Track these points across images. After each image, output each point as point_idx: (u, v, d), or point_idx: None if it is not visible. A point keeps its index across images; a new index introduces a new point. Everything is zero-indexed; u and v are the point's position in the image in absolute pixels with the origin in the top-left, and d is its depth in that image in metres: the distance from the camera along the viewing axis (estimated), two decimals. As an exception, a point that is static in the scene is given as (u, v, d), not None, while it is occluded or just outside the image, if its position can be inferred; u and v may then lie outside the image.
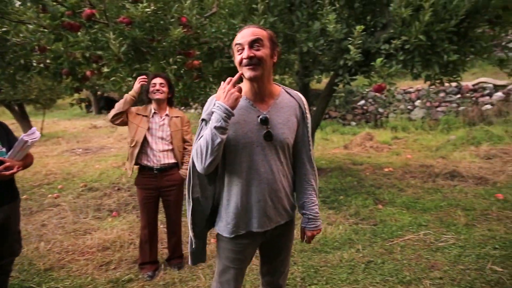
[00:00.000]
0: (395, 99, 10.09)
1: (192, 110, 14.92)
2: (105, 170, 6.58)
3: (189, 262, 1.75)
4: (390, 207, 4.21)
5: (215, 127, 1.42)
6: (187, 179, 1.65)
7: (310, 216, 1.71)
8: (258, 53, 1.49)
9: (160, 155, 2.83)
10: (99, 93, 17.95)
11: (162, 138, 2.84)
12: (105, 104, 19.43)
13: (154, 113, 2.87)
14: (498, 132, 7.24)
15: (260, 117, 1.56)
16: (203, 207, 1.67)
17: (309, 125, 1.70)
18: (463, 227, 3.55)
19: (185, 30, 3.46)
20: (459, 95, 8.97)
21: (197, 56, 3.88)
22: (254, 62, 1.49)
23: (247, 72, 1.51)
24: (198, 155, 1.48)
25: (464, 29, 3.99)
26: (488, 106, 8.30)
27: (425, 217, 3.86)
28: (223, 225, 1.63)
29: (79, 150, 9.16)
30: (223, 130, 1.43)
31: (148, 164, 2.83)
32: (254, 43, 1.49)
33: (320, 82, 4.54)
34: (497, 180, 4.97)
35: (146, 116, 2.84)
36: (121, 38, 3.23)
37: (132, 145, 2.81)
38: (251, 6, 4.24)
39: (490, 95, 8.44)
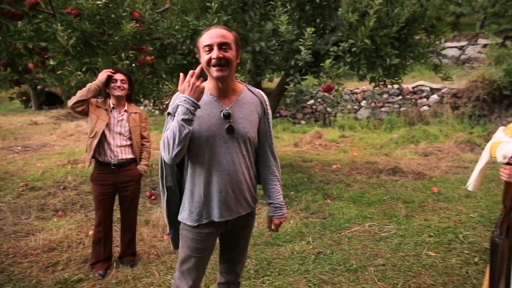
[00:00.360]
0: (343, 99, 10.53)
1: (142, 107, 14.50)
2: (49, 168, 6.24)
3: (172, 247, 1.85)
4: (338, 202, 4.43)
5: (183, 119, 1.48)
6: (159, 170, 1.71)
7: (276, 205, 1.80)
8: (227, 55, 1.58)
9: (118, 150, 2.79)
10: (39, 87, 16.88)
11: (120, 134, 2.80)
12: (46, 99, 18.30)
13: (113, 108, 2.82)
14: (434, 132, 7.84)
15: (223, 112, 1.64)
16: (175, 196, 1.74)
17: (271, 120, 1.81)
18: (403, 218, 3.84)
19: (137, 25, 3.41)
20: (400, 97, 9.57)
21: (149, 52, 3.82)
22: (222, 63, 1.57)
23: (215, 72, 1.59)
24: (165, 146, 1.53)
25: (404, 36, 4.30)
26: (426, 108, 8.95)
27: (370, 210, 4.11)
28: (187, 214, 1.70)
29: (18, 147, 8.58)
30: (190, 122, 1.50)
31: (106, 159, 2.77)
32: (223, 45, 1.57)
33: (272, 81, 4.66)
34: (433, 175, 5.40)
35: (106, 109, 2.79)
36: (69, 31, 3.11)
37: (91, 136, 2.74)
38: (205, 4, 4.26)
39: (427, 97, 9.11)
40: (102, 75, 2.76)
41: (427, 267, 2.85)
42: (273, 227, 1.84)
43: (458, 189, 4.68)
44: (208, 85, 1.68)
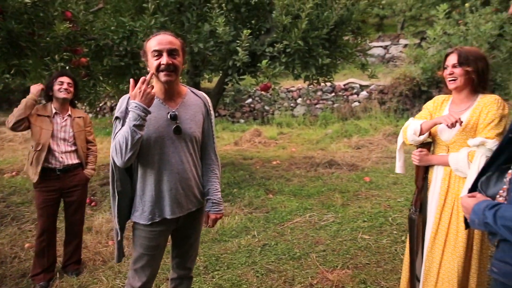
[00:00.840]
0: (279, 97, 10.88)
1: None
2: (-29, 181, 5.72)
3: (115, 260, 1.83)
4: (279, 196, 4.63)
5: (134, 125, 1.54)
6: (110, 175, 1.72)
7: (214, 201, 1.88)
8: (175, 61, 1.67)
9: (63, 156, 2.69)
10: (-49, 93, 15.24)
11: (64, 140, 2.71)
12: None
13: (56, 113, 2.71)
14: (365, 126, 8.42)
15: (170, 113, 1.72)
16: (125, 200, 1.77)
17: (213, 121, 1.92)
18: (340, 207, 4.13)
19: (71, 25, 3.29)
20: (333, 94, 10.12)
21: (84, 53, 3.70)
22: (171, 69, 1.66)
23: (163, 77, 1.66)
24: (118, 150, 1.58)
25: (334, 37, 4.60)
26: (356, 104, 9.57)
27: (309, 201, 4.36)
28: (139, 214, 1.75)
29: None
30: (141, 127, 1.57)
31: (50, 166, 2.66)
32: (172, 52, 1.65)
33: (211, 82, 4.72)
34: (364, 166, 5.83)
35: (47, 116, 2.66)
36: (-7, 31, 2.93)
37: (38, 149, 2.62)
38: (140, 5, 4.21)
39: (357, 93, 9.74)
40: (36, 88, 2.66)
41: (362, 248, 3.12)
42: (210, 223, 1.92)
43: (387, 178, 5.12)
44: (155, 89, 1.73)
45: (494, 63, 6.95)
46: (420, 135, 1.98)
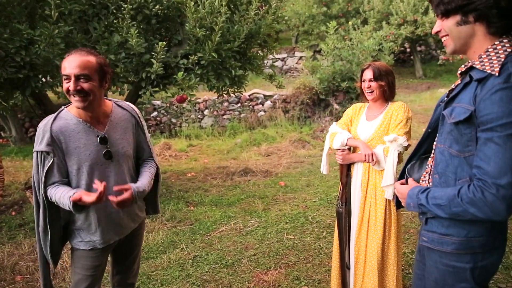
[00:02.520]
0: (186, 109, 10.81)
1: None
2: None
3: None
4: (201, 207, 4.61)
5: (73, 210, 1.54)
6: (37, 209, 1.60)
7: (135, 187, 1.67)
8: (85, 86, 1.53)
9: None
10: None
11: None
12: None
13: None
14: (272, 134, 8.84)
15: (99, 137, 1.65)
16: (57, 231, 1.66)
17: (145, 129, 1.88)
18: (262, 212, 4.29)
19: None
20: (239, 104, 10.42)
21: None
22: (82, 94, 1.53)
23: (75, 103, 1.56)
24: (53, 199, 1.57)
25: (244, 50, 4.81)
26: (262, 113, 10.00)
27: (232, 209, 4.44)
28: (78, 241, 1.66)
29: None
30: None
31: None
32: (80, 77, 1.52)
33: (124, 94, 4.53)
34: (277, 171, 6.13)
35: None
36: None
37: None
38: (36, 12, 3.85)
39: (262, 103, 10.19)
40: None
41: (290, 248, 3.30)
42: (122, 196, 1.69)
43: (299, 181, 5.46)
44: (78, 112, 1.63)
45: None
46: (345, 145, 2.28)
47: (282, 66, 14.33)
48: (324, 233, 3.56)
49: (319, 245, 3.32)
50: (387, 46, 8.49)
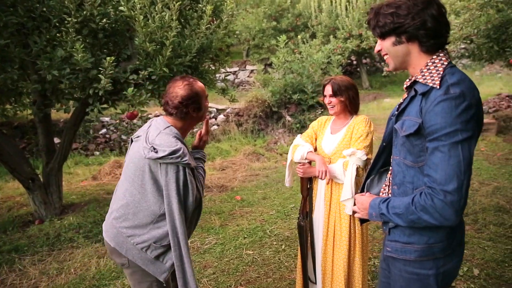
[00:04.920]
0: (137, 125, 10.47)
1: None
2: None
3: None
4: (156, 226, 4.44)
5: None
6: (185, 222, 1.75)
7: None
8: None
9: None
10: None
11: None
12: None
13: None
14: (226, 147, 8.80)
15: None
16: None
17: None
18: (219, 228, 4.21)
19: None
20: (192, 119, 10.29)
21: None
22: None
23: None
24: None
25: (195, 64, 4.76)
26: (215, 127, 9.93)
27: (188, 227, 4.31)
28: None
29: None
30: None
31: None
32: None
33: (69, 112, 4.27)
34: (233, 185, 6.08)
35: None
36: None
37: None
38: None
39: (215, 117, 10.13)
40: None
41: (250, 264, 3.26)
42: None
43: (256, 194, 5.45)
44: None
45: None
46: (305, 159, 2.29)
47: (234, 79, 14.40)
48: (283, 246, 3.55)
49: (279, 259, 3.31)
50: (335, 59, 8.83)
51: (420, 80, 1.31)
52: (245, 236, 3.90)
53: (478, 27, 6.52)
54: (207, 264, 3.34)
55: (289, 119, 8.87)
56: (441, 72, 1.27)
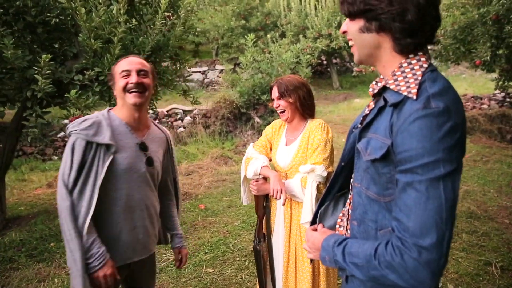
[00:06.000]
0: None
1: None
2: None
3: None
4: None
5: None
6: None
7: (181, 235, 1.92)
8: (146, 80, 1.62)
9: None
10: None
11: None
12: None
13: None
14: (192, 151, 8.41)
15: (139, 143, 1.67)
16: None
17: (174, 156, 1.94)
18: (178, 242, 3.85)
19: None
20: (157, 120, 9.82)
21: None
22: (140, 89, 1.59)
23: (132, 99, 1.58)
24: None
25: (152, 63, 4.38)
26: (182, 129, 9.51)
27: (144, 242, 3.93)
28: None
29: None
30: None
31: None
32: (141, 71, 1.62)
33: (3, 117, 3.79)
34: (198, 192, 5.73)
35: None
36: None
37: None
38: None
39: (181, 119, 9.71)
40: None
41: (209, 285, 2.93)
42: (183, 259, 1.92)
43: (221, 202, 5.12)
44: (123, 114, 1.65)
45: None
46: (258, 174, 2.00)
47: (203, 79, 13.99)
48: (247, 263, 3.25)
49: (241, 278, 3.00)
50: (304, 59, 8.61)
51: (391, 87, 0.99)
52: (206, 251, 3.57)
53: (444, 28, 6.47)
54: (162, 286, 2.99)
55: (258, 120, 8.59)
56: (419, 78, 0.94)
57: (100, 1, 3.32)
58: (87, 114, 3.55)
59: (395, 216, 0.92)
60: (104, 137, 1.53)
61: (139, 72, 1.61)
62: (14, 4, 3.20)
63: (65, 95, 3.49)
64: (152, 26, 3.98)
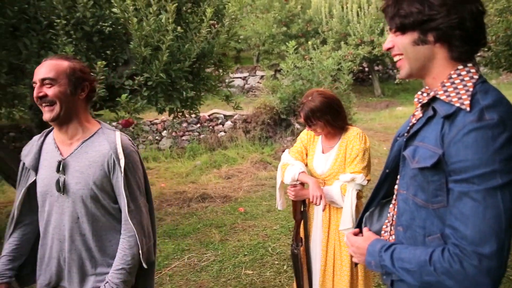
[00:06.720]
0: (143, 131, 10.33)
1: None
2: None
3: None
4: (152, 240, 4.21)
5: None
6: None
7: (108, 282, 1.44)
8: (50, 91, 1.38)
9: None
10: None
11: None
12: None
13: None
14: (232, 155, 8.56)
15: (58, 161, 1.46)
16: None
17: (122, 177, 1.46)
18: (219, 243, 3.95)
19: None
20: (198, 125, 10.09)
21: None
22: (47, 103, 1.39)
23: (44, 114, 1.41)
24: None
25: (196, 70, 4.54)
26: (222, 133, 9.71)
27: (186, 241, 4.07)
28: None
29: None
30: None
31: None
32: (45, 80, 1.38)
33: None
34: (237, 196, 5.83)
35: None
36: None
37: None
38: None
39: (222, 124, 9.92)
40: None
41: (248, 286, 2.99)
42: None
43: (260, 206, 5.18)
44: (56, 127, 1.50)
45: (337, 93, 7.96)
46: (296, 180, 2.03)
47: (244, 85, 14.20)
48: (285, 267, 3.28)
49: (280, 281, 3.04)
50: (346, 66, 8.53)
51: (442, 98, 1.00)
52: (246, 253, 3.64)
53: (496, 34, 6.17)
54: (202, 284, 3.09)
55: (298, 126, 8.60)
56: (470, 89, 0.96)
57: (150, 10, 3.50)
58: (136, 117, 3.77)
59: (450, 224, 0.94)
60: (27, 158, 1.50)
61: (43, 81, 1.39)
62: (74, 16, 3.45)
63: (116, 99, 3.71)
64: (197, 34, 4.13)
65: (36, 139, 1.53)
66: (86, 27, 3.68)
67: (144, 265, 1.51)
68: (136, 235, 1.46)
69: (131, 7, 3.34)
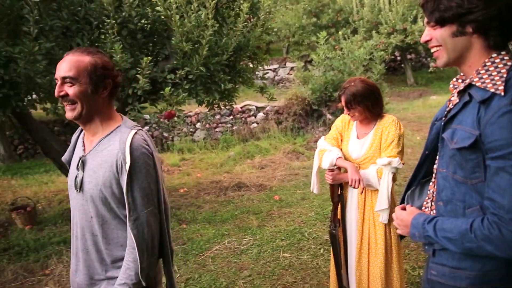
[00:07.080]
0: (184, 122, 10.69)
1: None
2: None
3: None
4: (193, 225, 4.46)
5: None
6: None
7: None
8: (70, 91, 1.32)
9: None
10: None
11: None
12: None
13: None
14: (265, 146, 8.72)
15: (80, 159, 1.43)
16: None
17: (133, 180, 1.34)
18: (256, 228, 4.14)
19: None
20: (231, 116, 10.32)
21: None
22: (68, 101, 1.34)
23: (66, 112, 1.37)
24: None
25: (233, 63, 4.72)
26: (255, 125, 9.90)
27: (225, 227, 4.29)
28: None
29: None
30: None
31: None
32: (66, 78, 1.32)
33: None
34: (272, 185, 6.00)
35: None
36: None
37: None
38: (16, 28, 3.74)
39: (255, 115, 10.09)
40: None
41: (286, 267, 3.16)
42: None
43: (294, 194, 5.33)
44: None
45: (369, 82, 7.93)
46: (334, 165, 2.15)
47: (274, 77, 14.30)
48: (322, 250, 3.42)
49: (317, 264, 3.19)
50: (377, 55, 8.46)
51: (477, 84, 1.10)
52: (283, 238, 3.81)
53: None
54: (243, 266, 3.28)
55: (330, 117, 8.63)
56: (504, 75, 1.06)
57: (191, 7, 3.69)
58: (178, 110, 4.00)
59: (488, 197, 1.06)
60: (66, 152, 1.54)
61: (64, 80, 1.34)
62: (121, 15, 3.70)
63: (161, 92, 3.95)
64: (234, 28, 4.30)
65: (75, 134, 1.56)
66: (131, 25, 3.93)
67: (143, 283, 1.36)
68: (136, 249, 1.33)
69: (174, 5, 3.54)
